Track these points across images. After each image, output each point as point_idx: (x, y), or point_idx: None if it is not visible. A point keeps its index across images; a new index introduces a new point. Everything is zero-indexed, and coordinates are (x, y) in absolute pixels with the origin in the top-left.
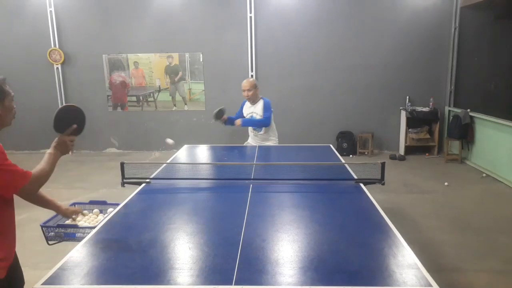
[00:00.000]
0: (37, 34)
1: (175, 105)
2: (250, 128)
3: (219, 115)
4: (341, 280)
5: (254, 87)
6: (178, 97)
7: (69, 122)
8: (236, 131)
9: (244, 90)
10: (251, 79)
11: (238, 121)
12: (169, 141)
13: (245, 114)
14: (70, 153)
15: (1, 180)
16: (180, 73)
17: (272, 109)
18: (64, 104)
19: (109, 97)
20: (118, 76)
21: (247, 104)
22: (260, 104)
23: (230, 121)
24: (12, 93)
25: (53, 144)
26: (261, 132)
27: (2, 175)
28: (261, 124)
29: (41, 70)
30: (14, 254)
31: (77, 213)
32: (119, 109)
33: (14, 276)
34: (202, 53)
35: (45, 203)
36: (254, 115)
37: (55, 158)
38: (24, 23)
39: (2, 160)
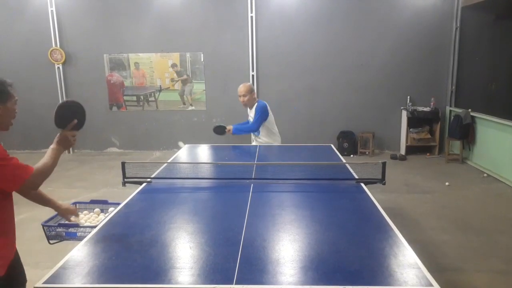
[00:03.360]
0: (38, 34)
1: (184, 104)
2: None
3: (218, 130)
4: (342, 279)
5: (249, 92)
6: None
7: (70, 118)
8: None
9: (239, 96)
10: (247, 84)
11: (229, 128)
12: (181, 144)
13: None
14: (70, 151)
15: (4, 174)
16: (185, 76)
17: (268, 112)
18: (64, 100)
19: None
20: (114, 76)
21: (248, 108)
22: (254, 108)
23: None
24: (16, 97)
25: (56, 139)
26: (260, 137)
27: (4, 169)
28: (250, 130)
29: (42, 69)
30: (15, 252)
31: (74, 214)
32: (114, 108)
33: (15, 274)
34: (203, 53)
35: (45, 201)
36: (251, 119)
37: (57, 153)
38: (25, 23)
39: (3, 155)
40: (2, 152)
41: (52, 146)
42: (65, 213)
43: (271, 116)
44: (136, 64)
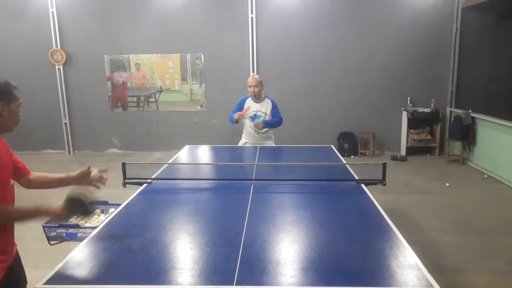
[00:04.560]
0: (38, 35)
1: (201, 106)
2: (249, 127)
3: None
4: (342, 280)
5: (260, 83)
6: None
7: (79, 206)
8: (238, 131)
9: (250, 86)
10: (257, 76)
11: (260, 123)
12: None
13: (248, 112)
14: (70, 152)
15: None
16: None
17: None
18: (81, 197)
19: (110, 98)
20: (119, 76)
21: (250, 102)
22: (267, 104)
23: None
24: (21, 101)
25: (55, 209)
26: (264, 131)
27: None
28: (279, 124)
29: (43, 70)
30: (16, 254)
31: (104, 172)
32: (120, 109)
33: (14, 277)
34: (203, 54)
35: (55, 181)
36: (260, 113)
37: (39, 216)
38: (26, 24)
39: None
40: None
41: (43, 207)
42: (92, 178)
43: None
44: (137, 65)
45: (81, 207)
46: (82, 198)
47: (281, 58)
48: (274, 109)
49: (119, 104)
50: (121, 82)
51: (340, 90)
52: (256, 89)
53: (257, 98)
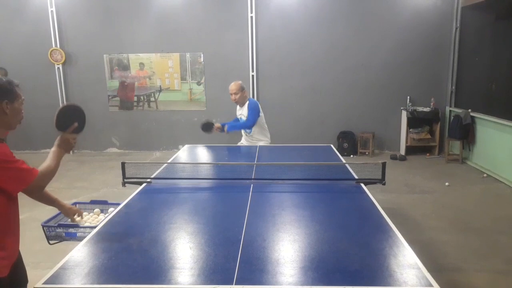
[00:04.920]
0: (38, 34)
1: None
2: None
3: (206, 127)
4: (341, 280)
5: (240, 90)
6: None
7: (70, 121)
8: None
9: (231, 94)
10: (238, 82)
11: (224, 128)
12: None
13: (237, 116)
14: (71, 152)
15: (9, 177)
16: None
17: (260, 110)
18: (64, 103)
19: (110, 97)
20: (128, 76)
21: (238, 107)
22: (246, 106)
23: (223, 128)
24: (23, 97)
25: (56, 142)
26: (251, 133)
27: (10, 172)
28: (245, 126)
29: (42, 70)
30: (18, 252)
31: (78, 214)
32: (126, 110)
33: (17, 275)
34: (203, 53)
35: (50, 201)
36: (242, 117)
37: (59, 155)
38: (25, 23)
39: (10, 157)
40: (9, 154)
41: (53, 149)
42: (69, 212)
43: (262, 114)
44: (141, 64)
45: (69, 116)
46: (61, 110)
47: (281, 58)
48: (248, 109)
49: (128, 103)
50: (129, 82)
51: (340, 90)
52: (237, 96)
53: (241, 103)
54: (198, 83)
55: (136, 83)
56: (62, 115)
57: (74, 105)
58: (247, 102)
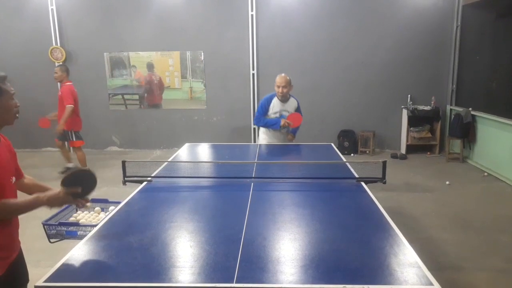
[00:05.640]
0: (38, 32)
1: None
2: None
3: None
4: (342, 278)
5: (289, 84)
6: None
7: (77, 183)
8: (238, 129)
9: (279, 87)
10: (286, 76)
11: (292, 137)
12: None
13: (272, 112)
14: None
15: None
16: None
17: None
18: (85, 168)
19: (111, 95)
20: (154, 76)
21: (276, 102)
22: (293, 103)
23: (277, 125)
24: (12, 91)
25: (49, 193)
26: (285, 130)
27: None
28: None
29: (42, 68)
30: (19, 251)
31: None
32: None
33: (16, 274)
34: (203, 51)
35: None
36: (285, 113)
37: (37, 205)
38: (26, 21)
39: None
40: None
41: (40, 195)
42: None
43: None
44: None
45: (81, 179)
46: (79, 171)
47: (281, 56)
48: (299, 109)
49: (154, 104)
50: (155, 82)
51: (340, 88)
52: (285, 90)
53: (285, 98)
54: (203, 83)
55: (128, 82)
56: (74, 176)
57: (91, 173)
58: (293, 100)
